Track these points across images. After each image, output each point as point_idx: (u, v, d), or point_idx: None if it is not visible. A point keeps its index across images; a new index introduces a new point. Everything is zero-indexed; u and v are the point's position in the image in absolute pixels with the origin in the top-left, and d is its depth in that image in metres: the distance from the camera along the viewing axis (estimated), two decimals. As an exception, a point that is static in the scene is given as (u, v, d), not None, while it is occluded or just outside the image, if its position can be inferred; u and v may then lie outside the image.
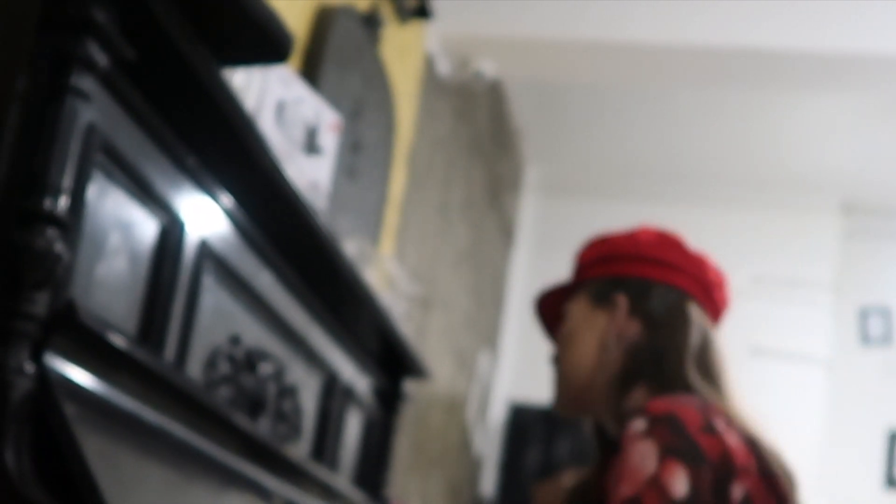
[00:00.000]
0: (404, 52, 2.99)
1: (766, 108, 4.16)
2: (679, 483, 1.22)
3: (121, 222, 1.08)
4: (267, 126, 1.48)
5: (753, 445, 1.31)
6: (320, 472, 1.64)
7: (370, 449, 2.05)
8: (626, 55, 3.41)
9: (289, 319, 1.55)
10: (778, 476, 1.31)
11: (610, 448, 1.45)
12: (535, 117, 4.52)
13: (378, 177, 2.64)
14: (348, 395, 1.88)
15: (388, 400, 2.11)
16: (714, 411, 1.31)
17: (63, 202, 0.91)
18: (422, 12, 2.94)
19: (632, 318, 1.45)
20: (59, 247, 0.90)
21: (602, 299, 1.48)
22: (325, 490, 1.67)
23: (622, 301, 1.46)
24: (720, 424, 1.28)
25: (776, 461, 1.32)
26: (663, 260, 1.48)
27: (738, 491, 1.25)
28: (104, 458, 0.93)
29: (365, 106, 2.49)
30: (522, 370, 4.82)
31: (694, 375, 1.39)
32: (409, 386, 2.19)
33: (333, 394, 1.79)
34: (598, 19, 3.31)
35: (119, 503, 0.90)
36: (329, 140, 1.63)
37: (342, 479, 1.87)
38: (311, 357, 1.68)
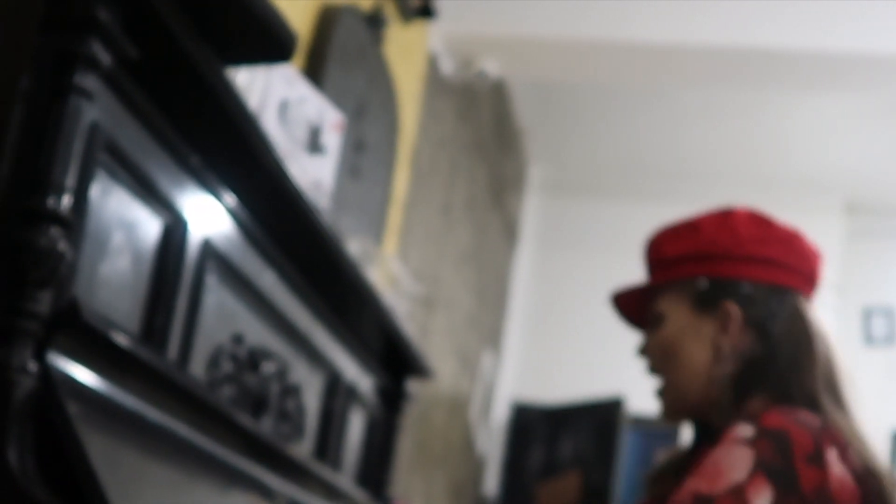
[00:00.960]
0: (408, 51, 2.99)
1: (769, 108, 4.16)
2: (762, 501, 1.16)
3: (124, 221, 1.08)
4: (270, 125, 1.48)
5: (866, 481, 1.23)
6: (323, 471, 1.64)
7: (373, 448, 2.04)
8: (630, 55, 3.40)
9: (292, 318, 1.55)
10: None
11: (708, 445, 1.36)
12: (538, 117, 4.52)
13: (381, 176, 2.64)
14: (351, 394, 1.88)
15: (391, 399, 2.11)
16: (830, 439, 1.22)
17: (66, 201, 0.91)
18: (425, 12, 2.94)
19: (745, 329, 1.35)
20: (63, 245, 0.90)
21: (707, 305, 1.37)
22: (328, 489, 1.67)
23: (735, 311, 1.35)
24: (831, 456, 1.20)
25: (891, 497, 1.24)
26: (771, 258, 1.37)
27: None
28: (107, 457, 0.93)
29: (368, 105, 2.49)
30: (526, 370, 4.82)
31: (823, 393, 1.30)
32: (412, 385, 2.19)
33: (336, 393, 1.79)
34: (602, 19, 3.31)
35: (122, 502, 0.90)
36: (332, 139, 1.63)
37: (345, 479, 1.87)
38: (314, 356, 1.68)
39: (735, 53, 3.26)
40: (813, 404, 1.29)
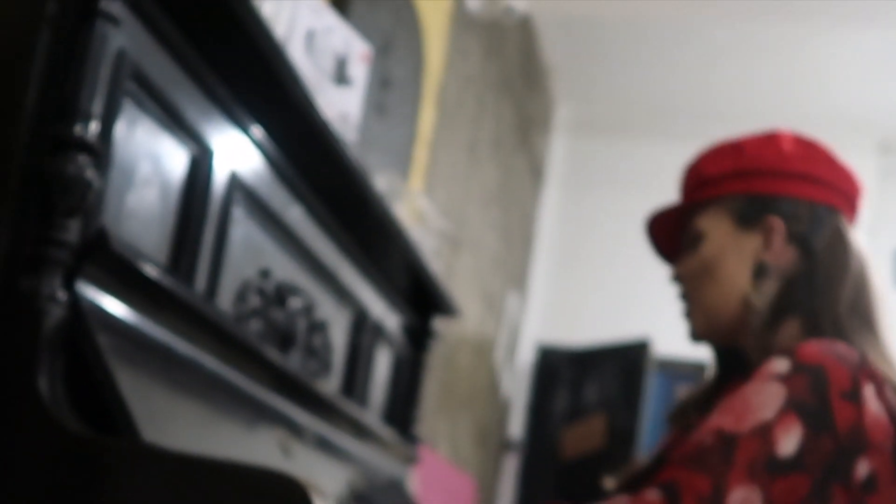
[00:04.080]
0: (434, -13, 2.94)
1: (803, 46, 4.08)
2: (789, 441, 1.13)
3: (151, 152, 1.07)
4: (297, 55, 1.46)
5: None
6: (351, 408, 1.64)
7: (399, 386, 2.05)
8: (660, -9, 3.34)
9: (318, 254, 1.53)
10: None
11: (740, 373, 1.33)
12: (566, 54, 4.46)
13: (407, 114, 2.61)
14: (378, 331, 1.87)
15: (418, 337, 2.10)
16: (868, 375, 1.19)
17: (93, 128, 0.90)
18: (452, -54, 2.89)
19: (788, 245, 1.33)
20: (90, 173, 0.89)
21: (750, 220, 1.35)
22: (356, 426, 1.67)
23: (778, 224, 1.33)
24: (868, 392, 1.17)
25: None
26: (815, 176, 1.36)
27: (863, 467, 1.15)
28: (135, 388, 0.93)
29: (394, 42, 2.46)
30: (551, 312, 4.81)
31: (848, 318, 1.28)
32: (438, 324, 2.18)
33: (363, 330, 1.79)
34: (632, -46, 3.25)
35: (150, 433, 0.89)
36: (359, 71, 1.61)
37: (372, 416, 1.88)
38: (341, 292, 1.67)
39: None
40: (837, 328, 1.27)
